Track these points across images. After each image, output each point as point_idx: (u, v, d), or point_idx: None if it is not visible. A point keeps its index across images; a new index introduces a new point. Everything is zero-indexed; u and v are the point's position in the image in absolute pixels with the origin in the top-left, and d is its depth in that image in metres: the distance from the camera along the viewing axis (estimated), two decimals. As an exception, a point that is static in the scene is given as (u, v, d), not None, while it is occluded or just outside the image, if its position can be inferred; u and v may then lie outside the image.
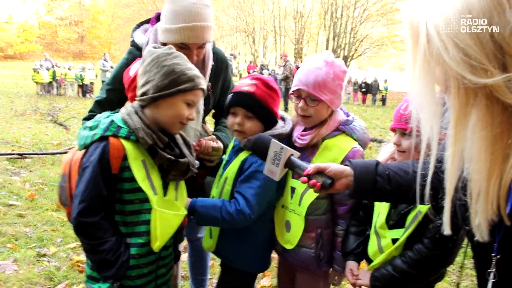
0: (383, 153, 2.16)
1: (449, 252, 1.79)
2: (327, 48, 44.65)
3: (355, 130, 2.09)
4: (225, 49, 52.92)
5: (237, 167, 2.10)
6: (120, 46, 58.60)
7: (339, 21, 45.25)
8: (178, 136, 1.92)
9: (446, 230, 1.02)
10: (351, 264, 2.07)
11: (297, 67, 18.44)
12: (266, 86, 2.09)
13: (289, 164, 1.65)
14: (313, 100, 2.02)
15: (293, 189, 2.09)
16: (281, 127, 2.12)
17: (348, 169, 1.55)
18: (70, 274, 3.52)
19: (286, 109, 17.01)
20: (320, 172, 1.56)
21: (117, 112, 1.81)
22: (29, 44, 59.80)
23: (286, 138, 2.14)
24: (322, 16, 47.18)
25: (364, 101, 26.17)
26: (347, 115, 2.19)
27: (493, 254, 1.02)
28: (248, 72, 23.82)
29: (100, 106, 2.40)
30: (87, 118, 2.42)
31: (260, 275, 3.22)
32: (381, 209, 2.00)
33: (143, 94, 1.75)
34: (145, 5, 47.60)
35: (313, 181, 1.55)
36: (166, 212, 1.79)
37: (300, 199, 2.03)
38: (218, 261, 3.81)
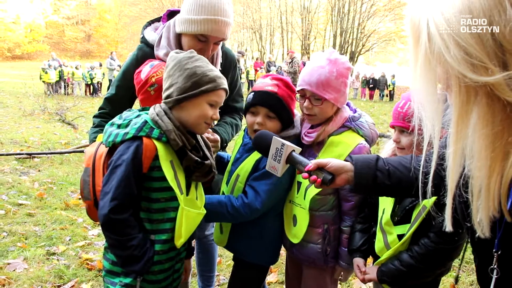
0: (386, 149, 2.17)
1: (455, 245, 1.81)
2: (334, 44, 44.50)
3: (361, 126, 2.10)
4: (232, 46, 52.91)
5: (251, 166, 2.13)
6: (127, 44, 58.77)
7: (346, 16, 45.04)
8: (200, 139, 1.97)
9: (448, 226, 1.03)
10: (358, 261, 2.08)
11: (304, 64, 18.40)
12: (287, 86, 2.13)
13: (291, 160, 1.67)
14: (317, 99, 2.03)
15: (299, 184, 2.11)
16: (293, 128, 2.15)
17: (348, 165, 1.56)
18: (79, 272, 3.57)
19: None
20: (321, 168, 1.58)
21: (146, 111, 1.86)
22: (36, 44, 60.09)
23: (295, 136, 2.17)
24: (329, 11, 46.99)
25: (371, 96, 26.05)
26: (354, 111, 2.20)
27: (494, 250, 1.03)
28: (255, 69, 23.75)
29: (110, 103, 2.44)
30: (97, 116, 2.46)
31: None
32: (386, 206, 2.01)
33: (168, 96, 1.81)
34: (151, 3, 47.58)
35: (313, 176, 1.57)
36: (191, 211, 1.85)
37: (305, 193, 2.06)
38: (225, 258, 3.86)
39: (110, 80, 20.29)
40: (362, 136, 2.09)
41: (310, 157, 2.06)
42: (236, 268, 2.35)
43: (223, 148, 2.44)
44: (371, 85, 25.86)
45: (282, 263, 3.46)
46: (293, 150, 1.68)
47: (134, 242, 1.69)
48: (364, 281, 2.06)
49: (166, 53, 2.25)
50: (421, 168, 1.10)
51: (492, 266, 1.05)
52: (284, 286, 2.58)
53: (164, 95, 1.84)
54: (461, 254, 1.83)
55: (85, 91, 22.01)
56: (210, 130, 2.34)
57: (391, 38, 45.22)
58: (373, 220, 2.11)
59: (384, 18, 44.08)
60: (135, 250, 1.69)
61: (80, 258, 3.82)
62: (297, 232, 2.12)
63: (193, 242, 2.93)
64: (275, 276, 3.57)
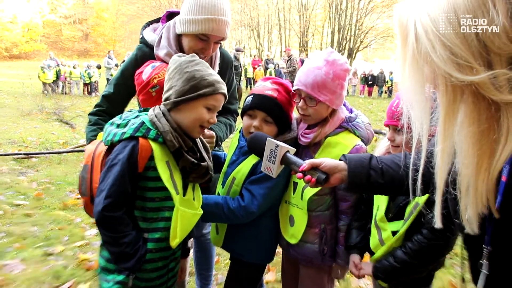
0: (380, 147, 2.19)
1: (447, 241, 1.83)
2: (332, 41, 44.51)
3: (358, 126, 2.10)
4: (229, 44, 52.88)
5: (247, 169, 2.13)
6: (124, 43, 58.80)
7: (344, 13, 45.07)
8: (198, 141, 2.00)
9: (437, 223, 1.04)
10: (354, 257, 2.10)
11: (302, 61, 18.40)
12: (287, 91, 2.13)
13: (285, 161, 1.68)
14: (312, 100, 2.02)
15: (295, 185, 2.11)
16: (290, 132, 2.15)
17: (342, 164, 1.58)
18: (77, 272, 3.57)
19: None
20: (315, 168, 1.59)
21: (146, 112, 1.90)
22: (34, 43, 60.03)
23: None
24: (327, 8, 47.00)
25: (370, 93, 26.09)
26: (350, 111, 2.20)
27: (484, 246, 1.04)
28: (253, 67, 23.73)
29: (108, 101, 2.46)
30: (93, 114, 2.47)
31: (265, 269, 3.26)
32: (380, 203, 2.03)
33: (167, 98, 1.85)
34: (149, 1, 47.54)
35: (308, 176, 1.58)
36: (187, 211, 1.87)
37: (302, 194, 2.06)
38: (223, 256, 3.87)
39: (107, 79, 20.28)
40: (358, 136, 2.09)
41: (307, 158, 2.07)
42: (232, 267, 2.35)
43: (218, 145, 2.45)
44: (369, 82, 25.90)
45: (280, 261, 3.47)
46: (288, 151, 1.69)
47: (126, 240, 1.72)
48: (358, 277, 2.08)
49: (166, 53, 2.27)
50: (410, 165, 1.12)
51: (481, 261, 1.06)
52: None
53: (163, 97, 1.88)
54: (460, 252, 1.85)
55: (83, 90, 22.02)
56: None
57: (389, 35, 45.11)
58: (369, 217, 2.13)
59: (382, 14, 44.01)
60: (127, 247, 1.72)
61: (77, 258, 3.82)
62: (295, 233, 2.13)
63: (190, 242, 2.95)
64: (273, 274, 3.58)
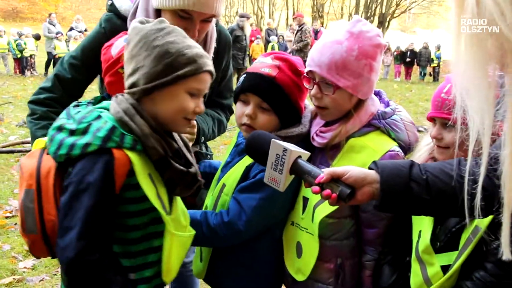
0: (421, 150, 2.15)
1: None
2: (357, 3, 44.48)
3: (395, 126, 2.09)
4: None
5: (239, 174, 2.14)
6: (72, 4, 58.54)
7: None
8: (177, 138, 1.96)
9: (506, 253, 1.04)
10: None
11: (316, 33, 18.34)
12: (293, 70, 2.12)
13: (296, 170, 1.67)
14: (328, 86, 2.01)
15: (305, 201, 2.11)
16: (298, 125, 2.15)
17: (372, 174, 1.58)
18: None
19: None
20: (336, 180, 1.58)
21: (105, 104, 1.84)
22: None
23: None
24: (351, -42, 46.99)
25: (408, 75, 26.08)
26: (387, 105, 2.19)
27: None
28: (251, 40, 23.66)
29: (63, 86, 2.44)
30: (40, 103, 2.43)
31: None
32: (423, 228, 2.01)
33: (133, 85, 1.78)
34: None
35: (327, 191, 1.57)
36: (181, 235, 1.86)
37: (313, 214, 2.05)
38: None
39: (48, 53, 20.18)
40: (394, 139, 2.08)
41: (322, 165, 2.06)
42: None
43: (198, 142, 2.44)
44: (408, 60, 25.86)
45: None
46: (299, 156, 1.68)
47: None
48: None
49: None
50: (466, 175, 1.11)
51: None
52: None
53: (127, 83, 1.82)
54: None
55: (13, 68, 21.85)
56: None
57: (437, -5, 45.22)
58: (407, 247, 2.11)
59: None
60: None
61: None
62: (302, 266, 2.12)
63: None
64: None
